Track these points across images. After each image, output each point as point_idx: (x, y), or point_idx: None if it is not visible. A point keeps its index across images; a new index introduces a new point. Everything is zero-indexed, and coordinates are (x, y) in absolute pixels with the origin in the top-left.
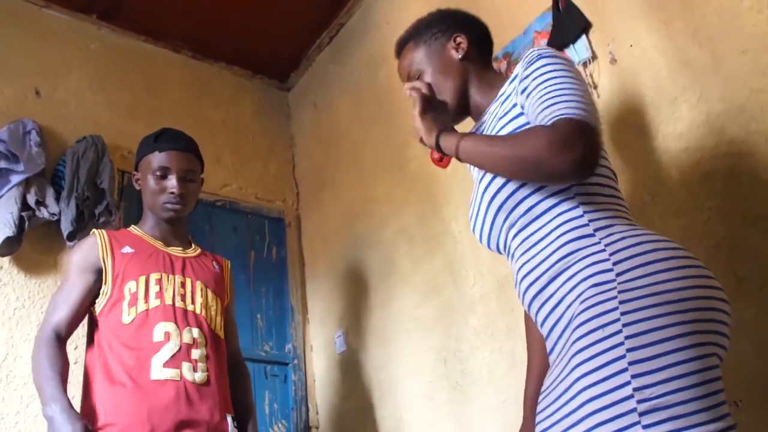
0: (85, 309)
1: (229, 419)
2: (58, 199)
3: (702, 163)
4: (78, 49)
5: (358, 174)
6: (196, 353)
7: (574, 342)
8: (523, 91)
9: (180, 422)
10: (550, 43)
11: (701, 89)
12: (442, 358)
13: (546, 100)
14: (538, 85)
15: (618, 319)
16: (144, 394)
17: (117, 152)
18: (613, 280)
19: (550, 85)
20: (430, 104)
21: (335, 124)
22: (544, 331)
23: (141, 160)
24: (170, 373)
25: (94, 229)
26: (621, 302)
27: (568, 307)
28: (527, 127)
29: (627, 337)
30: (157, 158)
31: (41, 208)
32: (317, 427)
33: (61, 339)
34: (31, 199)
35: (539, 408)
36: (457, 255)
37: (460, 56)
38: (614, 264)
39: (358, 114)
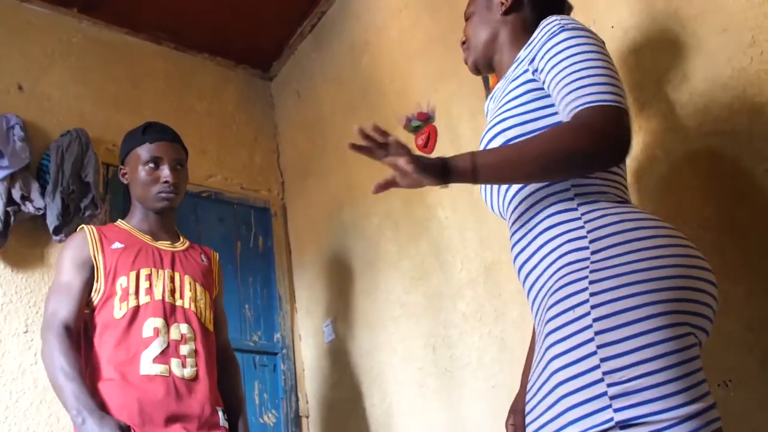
0: (85, 304)
1: (220, 412)
2: (43, 194)
3: (687, 142)
4: (60, 43)
5: (342, 162)
6: (184, 349)
7: (547, 322)
8: (540, 62)
9: (170, 416)
10: None
11: (684, 69)
12: (431, 344)
13: (574, 81)
14: (563, 62)
15: (587, 300)
16: (133, 389)
17: (101, 145)
18: (587, 258)
19: (578, 65)
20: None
21: (319, 113)
22: (529, 303)
23: (129, 153)
24: (159, 369)
25: (83, 225)
26: (591, 282)
27: (545, 282)
28: (559, 125)
29: (595, 320)
30: (148, 149)
31: (26, 202)
32: (307, 416)
33: (71, 333)
34: (16, 194)
35: (526, 398)
36: (443, 240)
37: (501, 11)
38: (591, 242)
39: (341, 102)
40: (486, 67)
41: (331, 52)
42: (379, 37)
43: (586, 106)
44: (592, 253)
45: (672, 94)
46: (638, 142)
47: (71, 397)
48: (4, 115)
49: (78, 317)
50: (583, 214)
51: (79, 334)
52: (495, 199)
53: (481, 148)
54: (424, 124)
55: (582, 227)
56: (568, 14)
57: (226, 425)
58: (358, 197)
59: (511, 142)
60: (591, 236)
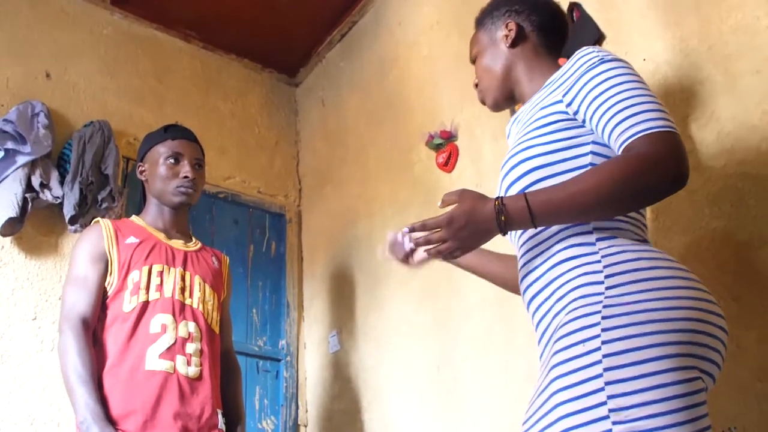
0: (101, 297)
1: (219, 415)
2: (62, 183)
3: (710, 182)
4: (90, 34)
5: (362, 173)
6: (190, 347)
7: (554, 353)
8: (578, 94)
9: (172, 414)
10: (562, 54)
11: (713, 108)
12: (436, 364)
13: (621, 111)
14: (606, 92)
15: (598, 335)
16: (137, 384)
17: (123, 138)
18: (601, 293)
19: (624, 94)
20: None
21: (342, 122)
22: (536, 334)
23: (149, 150)
24: (165, 365)
25: (98, 219)
26: (604, 317)
27: (556, 315)
28: (613, 158)
29: (605, 356)
30: (170, 145)
31: (45, 190)
32: (306, 426)
33: (88, 328)
34: (36, 181)
35: (523, 419)
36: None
37: (507, 45)
38: (606, 277)
39: (365, 113)
40: (507, 103)
41: (360, 62)
42: (409, 52)
43: (640, 135)
44: (607, 288)
45: (698, 132)
46: None
47: (81, 403)
48: (29, 102)
49: (95, 311)
50: (600, 249)
51: (95, 328)
52: None
53: (502, 173)
54: (446, 142)
55: (599, 261)
56: (569, 48)
57: (224, 429)
58: (374, 211)
59: (564, 180)
60: (606, 271)
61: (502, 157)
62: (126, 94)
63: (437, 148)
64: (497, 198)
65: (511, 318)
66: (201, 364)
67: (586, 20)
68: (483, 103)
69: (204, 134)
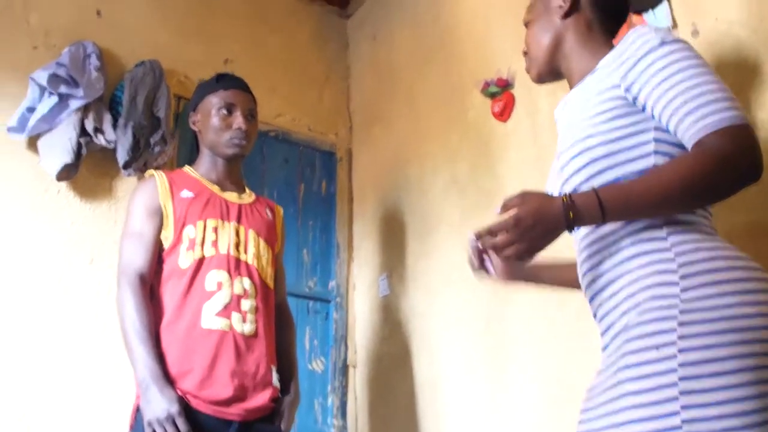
0: (158, 252)
1: (273, 371)
2: (114, 126)
3: None
4: None
5: (413, 113)
6: (246, 304)
7: (625, 354)
8: (637, 79)
9: (229, 372)
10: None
11: None
12: (484, 316)
13: (689, 101)
14: (669, 79)
15: (674, 342)
16: (194, 342)
17: (173, 77)
18: (677, 296)
19: (690, 82)
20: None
21: (393, 59)
22: (600, 327)
23: (201, 100)
24: (221, 323)
25: (152, 171)
26: (681, 324)
27: (625, 313)
28: (687, 154)
29: (681, 365)
30: (223, 96)
31: (99, 134)
32: (355, 366)
33: (145, 283)
34: (89, 126)
35: (583, 407)
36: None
37: (560, 15)
38: (681, 278)
39: (417, 51)
40: (551, 77)
41: None
42: None
43: (712, 131)
44: (682, 290)
45: None
46: None
47: (140, 362)
48: (81, 43)
49: (152, 266)
50: (672, 246)
51: (152, 283)
52: None
53: (561, 163)
54: (502, 90)
55: (672, 260)
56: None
57: (278, 385)
58: (425, 152)
59: (640, 177)
60: (682, 271)
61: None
62: (176, 30)
63: (493, 96)
64: (565, 195)
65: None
66: (256, 321)
67: None
68: (528, 72)
69: (253, 70)
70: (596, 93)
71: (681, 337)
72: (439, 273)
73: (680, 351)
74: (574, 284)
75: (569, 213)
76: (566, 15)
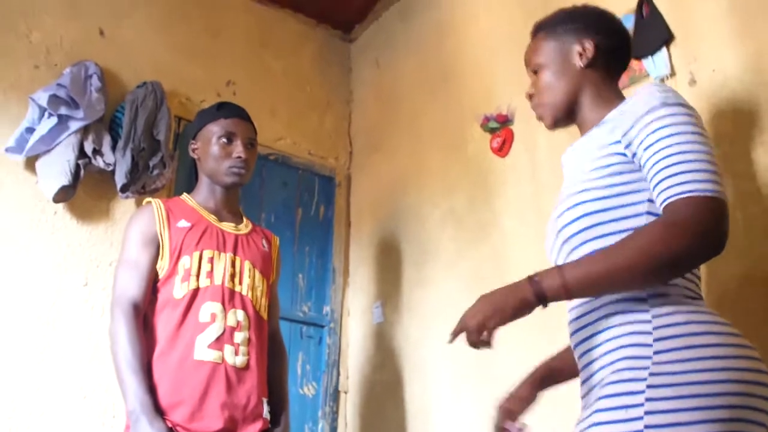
0: (153, 281)
1: (264, 404)
2: (114, 148)
3: None
4: None
5: (414, 142)
6: (239, 336)
7: (595, 412)
8: (636, 137)
9: (219, 404)
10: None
11: None
12: (478, 350)
13: (670, 166)
14: (657, 141)
15: (642, 404)
16: (185, 373)
17: (175, 98)
18: (648, 358)
19: (675, 148)
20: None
21: (396, 87)
22: (581, 377)
23: (202, 128)
24: (213, 355)
25: (149, 199)
26: (649, 386)
27: (601, 368)
28: (650, 223)
29: (647, 426)
30: (223, 124)
31: (97, 156)
32: (346, 392)
33: (139, 313)
34: (88, 147)
35: None
36: (505, 250)
37: (582, 64)
38: (655, 340)
39: (420, 80)
40: (566, 123)
41: (417, 25)
42: (467, 23)
43: (681, 197)
44: (655, 353)
45: (764, 156)
46: None
47: (130, 392)
48: (83, 63)
49: (146, 295)
50: (651, 308)
51: (145, 312)
52: (554, 257)
53: (557, 212)
54: (501, 126)
55: (649, 321)
56: (636, 46)
57: (269, 417)
58: (424, 183)
59: (600, 250)
60: (656, 333)
61: (557, 146)
62: (179, 52)
63: (492, 131)
64: (530, 276)
65: (559, 316)
66: (248, 353)
67: (656, 18)
68: (539, 119)
69: (255, 93)
70: (598, 147)
71: (648, 400)
72: (433, 303)
73: (647, 413)
74: None
75: (537, 292)
76: (588, 65)
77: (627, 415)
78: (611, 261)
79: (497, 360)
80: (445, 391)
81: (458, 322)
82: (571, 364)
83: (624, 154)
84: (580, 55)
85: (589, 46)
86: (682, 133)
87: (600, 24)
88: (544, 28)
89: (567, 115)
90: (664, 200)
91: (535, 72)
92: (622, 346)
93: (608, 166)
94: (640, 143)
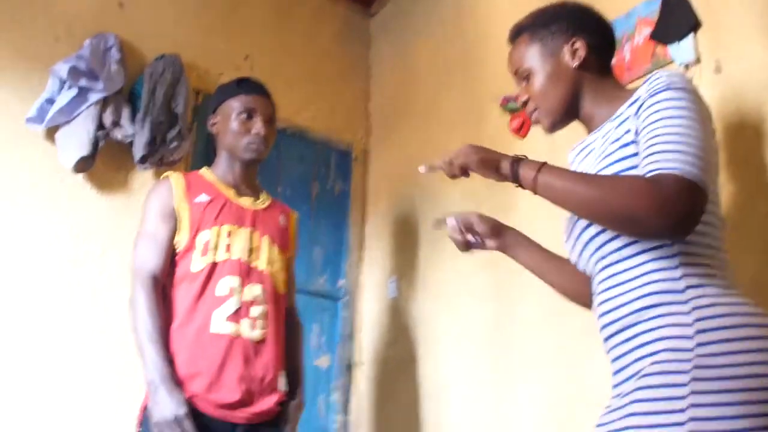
0: (171, 254)
1: (281, 376)
2: (132, 120)
3: None
4: None
5: (432, 120)
6: (255, 310)
7: (634, 401)
8: (641, 118)
9: (237, 377)
10: (654, 35)
11: None
12: (492, 326)
13: (657, 144)
14: (655, 121)
15: (685, 397)
16: (202, 346)
17: (193, 71)
18: (691, 350)
19: (667, 127)
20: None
21: (415, 64)
22: (612, 368)
23: (221, 103)
24: (230, 329)
25: (168, 173)
26: (694, 379)
27: (638, 359)
28: (627, 173)
29: (692, 419)
30: (244, 100)
31: (116, 128)
32: (361, 365)
33: (158, 285)
34: (107, 119)
35: None
36: (521, 231)
37: (575, 64)
38: (696, 332)
39: (440, 57)
40: (564, 125)
41: (438, 1)
42: (488, 1)
43: (664, 171)
44: (697, 345)
45: None
46: (743, 190)
47: (150, 363)
48: (102, 35)
49: (165, 267)
50: (690, 299)
51: (164, 284)
52: (578, 249)
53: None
54: (521, 107)
55: (689, 313)
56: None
57: (285, 389)
58: None
59: (585, 174)
60: (697, 326)
61: (576, 128)
62: (197, 24)
63: (512, 112)
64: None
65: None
66: (265, 327)
67: (684, 4)
68: (536, 123)
69: (273, 67)
70: (611, 141)
71: (694, 393)
72: (448, 281)
73: (691, 406)
74: (560, 290)
75: (515, 158)
76: (581, 65)
77: (670, 406)
78: (586, 189)
79: (511, 338)
80: (458, 368)
81: (445, 155)
82: (544, 270)
83: (634, 142)
84: (572, 54)
85: (579, 44)
86: (680, 117)
87: (584, 21)
88: (525, 31)
89: (566, 117)
90: (651, 171)
91: (526, 77)
92: (661, 338)
93: (623, 159)
94: (643, 122)
